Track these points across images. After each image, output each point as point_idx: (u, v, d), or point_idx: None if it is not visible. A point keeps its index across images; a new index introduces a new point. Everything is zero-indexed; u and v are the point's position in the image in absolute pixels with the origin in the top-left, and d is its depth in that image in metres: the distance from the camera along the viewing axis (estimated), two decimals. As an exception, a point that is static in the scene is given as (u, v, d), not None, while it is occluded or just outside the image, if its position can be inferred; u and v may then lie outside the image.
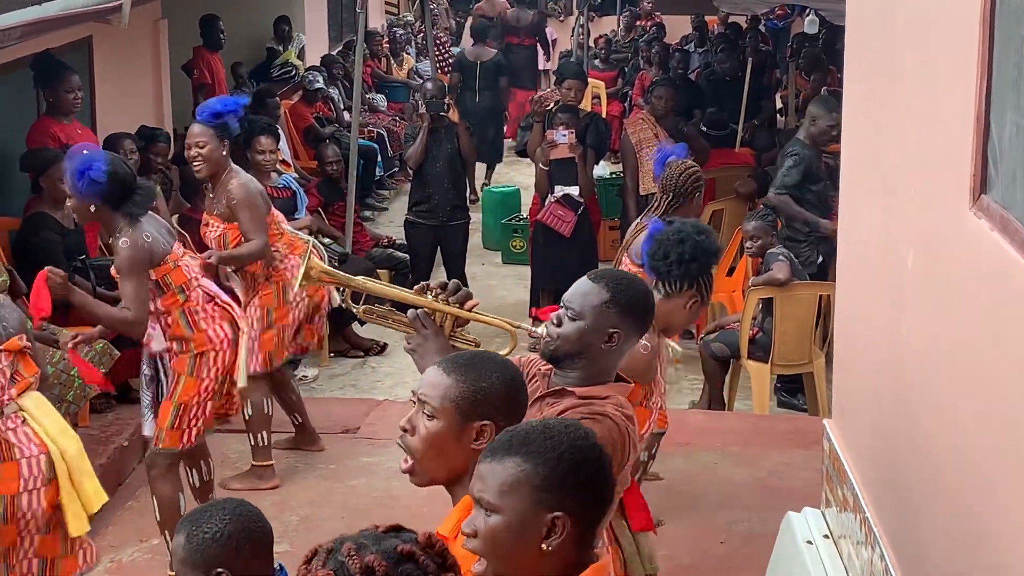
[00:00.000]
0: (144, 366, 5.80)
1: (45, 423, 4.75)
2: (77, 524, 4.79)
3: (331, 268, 3.93)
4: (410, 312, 3.40)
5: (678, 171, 6.27)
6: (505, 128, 14.76)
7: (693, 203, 6.33)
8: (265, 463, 6.74)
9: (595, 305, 3.36)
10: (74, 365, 6.24)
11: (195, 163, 6.37)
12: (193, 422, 5.71)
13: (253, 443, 6.72)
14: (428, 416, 2.87)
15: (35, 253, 7.16)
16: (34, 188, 7.47)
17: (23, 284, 6.81)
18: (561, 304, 3.44)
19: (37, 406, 4.78)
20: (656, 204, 6.36)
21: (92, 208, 5.44)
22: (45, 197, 7.31)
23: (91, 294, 7.16)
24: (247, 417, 6.64)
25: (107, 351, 6.75)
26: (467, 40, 18.47)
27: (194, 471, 5.97)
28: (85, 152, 5.51)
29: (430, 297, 3.40)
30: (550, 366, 3.45)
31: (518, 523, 2.36)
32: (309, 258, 3.65)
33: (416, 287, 3.45)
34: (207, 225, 6.53)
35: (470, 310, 3.39)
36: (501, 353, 3.22)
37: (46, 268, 5.37)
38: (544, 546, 2.35)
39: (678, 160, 6.40)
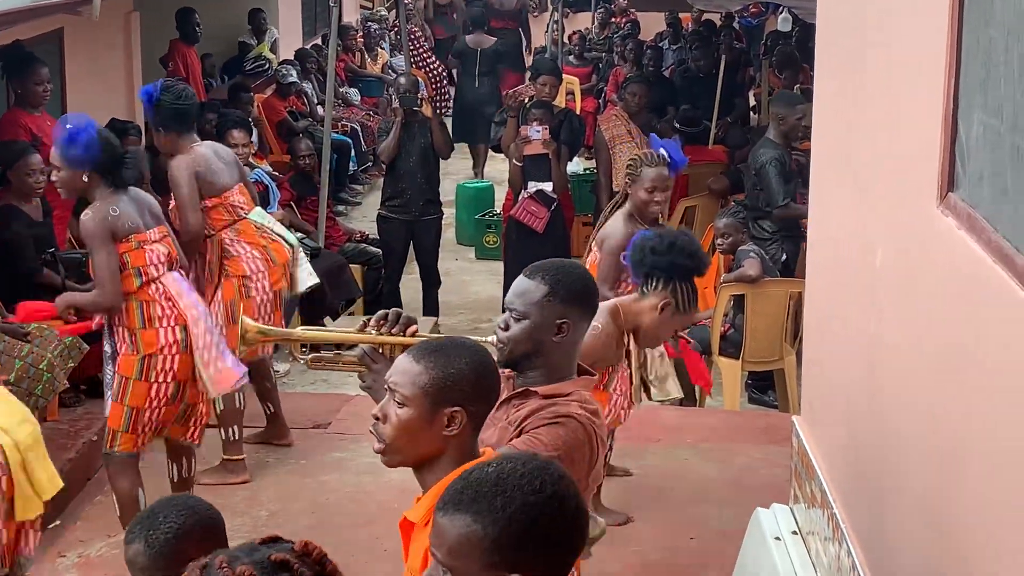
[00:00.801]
0: (105, 343, 5.76)
1: (2, 415, 4.73)
2: (25, 508, 4.76)
3: (267, 327, 3.89)
4: (356, 351, 3.35)
5: (628, 160, 6.34)
6: None
7: (633, 191, 6.19)
8: (236, 457, 6.71)
9: (537, 301, 3.35)
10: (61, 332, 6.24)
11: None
12: (148, 426, 5.67)
13: (224, 437, 6.70)
14: (399, 404, 2.87)
15: (4, 246, 7.12)
16: (2, 181, 7.42)
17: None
18: (505, 307, 3.44)
19: None
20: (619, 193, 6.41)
21: (85, 177, 5.43)
22: (13, 190, 7.26)
23: (60, 286, 7.15)
24: (218, 411, 6.62)
25: (76, 345, 6.71)
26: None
27: (175, 465, 5.94)
28: (76, 120, 5.48)
29: (372, 332, 3.35)
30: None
31: None
32: (243, 321, 3.63)
33: (357, 326, 3.40)
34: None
35: (413, 335, 3.33)
36: None
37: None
38: None
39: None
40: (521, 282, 3.42)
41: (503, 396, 3.35)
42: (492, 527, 2.18)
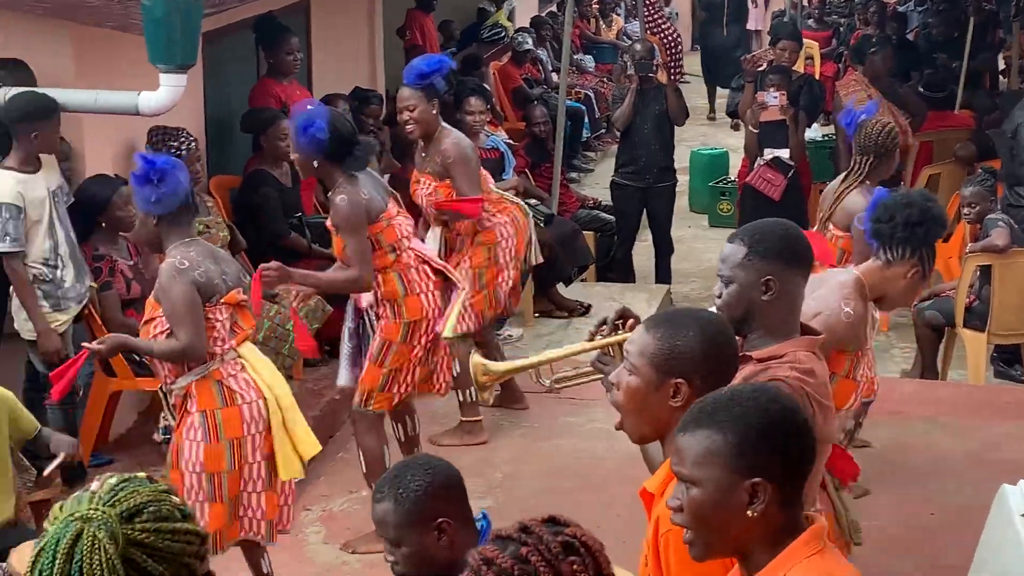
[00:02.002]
0: (349, 319, 5.93)
1: (262, 371, 4.94)
2: (288, 468, 4.97)
3: (498, 365, 3.92)
4: (590, 361, 3.43)
5: (875, 130, 6.08)
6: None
7: (892, 160, 6.14)
8: (473, 418, 6.84)
9: (739, 262, 3.34)
10: (292, 321, 6.43)
11: (407, 126, 6.48)
12: (403, 386, 5.84)
13: (461, 399, 6.83)
14: (628, 371, 2.93)
15: (255, 210, 7.41)
16: (254, 147, 7.70)
17: (243, 240, 7.05)
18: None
19: (254, 356, 4.98)
20: (855, 167, 6.18)
21: (315, 164, 5.58)
22: (265, 155, 7.53)
23: (306, 251, 7.40)
24: (455, 374, 6.75)
25: (320, 307, 6.94)
26: (681, 1, 18.94)
27: (399, 425, 6.10)
28: (308, 109, 5.66)
29: (599, 338, 3.44)
30: None
31: (718, 493, 2.38)
32: (473, 362, 3.71)
33: (585, 339, 3.49)
34: (417, 183, 6.64)
35: (633, 327, 3.35)
36: None
37: (259, 269, 5.42)
38: (749, 512, 2.36)
39: (871, 119, 6.23)
40: (724, 247, 3.43)
41: None
42: (733, 434, 2.37)
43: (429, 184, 6.56)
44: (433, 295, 5.79)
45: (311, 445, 5.04)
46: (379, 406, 5.85)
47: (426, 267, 5.79)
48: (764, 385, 2.50)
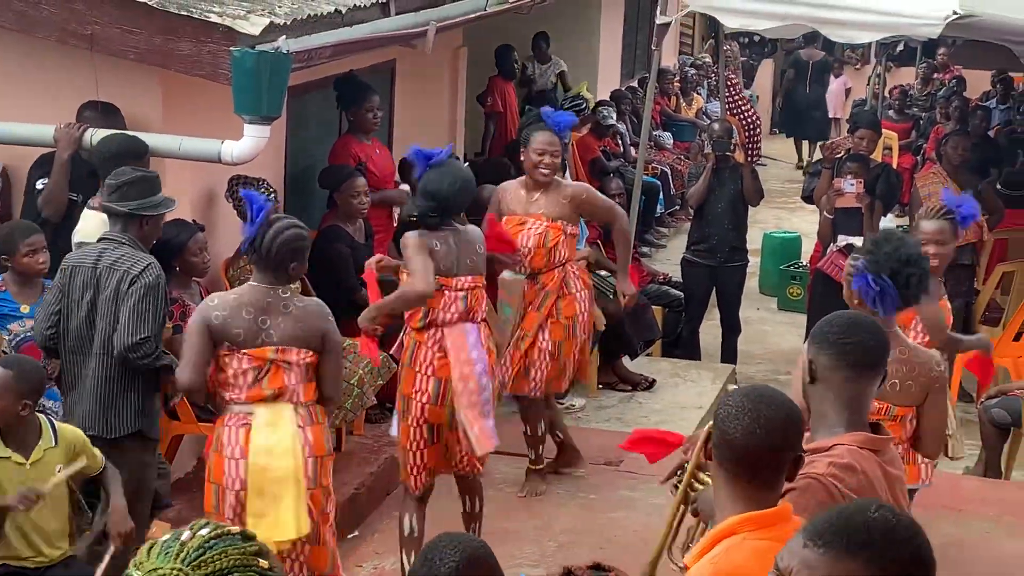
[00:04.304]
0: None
1: (268, 437, 4.83)
2: (263, 528, 4.66)
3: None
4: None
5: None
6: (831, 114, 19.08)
7: None
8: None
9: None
10: (361, 348, 6.40)
11: (545, 169, 6.74)
12: (413, 469, 5.70)
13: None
14: None
15: (327, 264, 7.46)
16: (329, 203, 7.78)
17: (313, 292, 7.10)
18: None
19: (271, 420, 4.87)
20: None
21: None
22: (339, 212, 7.61)
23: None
24: (526, 434, 6.87)
25: (387, 364, 6.96)
26: (762, 84, 19.32)
27: (465, 498, 6.03)
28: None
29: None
30: None
31: None
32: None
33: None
34: (521, 224, 6.76)
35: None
36: None
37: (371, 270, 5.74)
38: None
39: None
40: None
41: None
42: (884, 571, 2.16)
43: (539, 224, 6.75)
44: (428, 380, 5.62)
45: (284, 529, 4.79)
46: (403, 480, 5.79)
47: (442, 355, 5.62)
48: (910, 519, 2.25)
